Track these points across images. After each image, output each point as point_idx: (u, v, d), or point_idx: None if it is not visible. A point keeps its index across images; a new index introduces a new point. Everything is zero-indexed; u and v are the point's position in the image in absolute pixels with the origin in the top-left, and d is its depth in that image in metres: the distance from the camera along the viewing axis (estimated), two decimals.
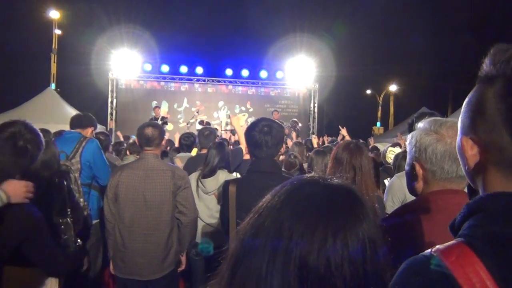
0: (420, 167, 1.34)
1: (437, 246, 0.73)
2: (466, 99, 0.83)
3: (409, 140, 1.40)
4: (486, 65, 0.79)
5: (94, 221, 3.78)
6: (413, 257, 0.76)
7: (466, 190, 1.31)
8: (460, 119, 0.84)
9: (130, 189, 3.07)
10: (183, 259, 3.34)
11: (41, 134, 1.97)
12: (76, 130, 3.93)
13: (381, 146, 10.02)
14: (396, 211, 1.46)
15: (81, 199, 3.48)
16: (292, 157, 4.64)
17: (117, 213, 3.09)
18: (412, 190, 1.42)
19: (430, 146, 1.31)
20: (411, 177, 1.39)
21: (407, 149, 1.42)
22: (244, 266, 0.75)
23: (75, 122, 3.98)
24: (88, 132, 4.02)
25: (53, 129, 7.21)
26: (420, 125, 1.40)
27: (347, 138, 6.57)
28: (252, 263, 0.74)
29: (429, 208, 1.28)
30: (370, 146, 7.81)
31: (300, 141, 7.13)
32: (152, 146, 3.17)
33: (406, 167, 1.43)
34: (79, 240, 2.77)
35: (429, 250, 0.74)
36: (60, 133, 4.06)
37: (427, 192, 1.34)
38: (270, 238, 0.74)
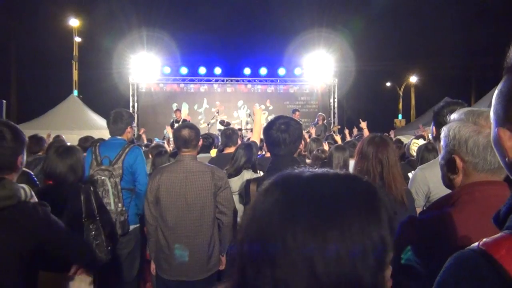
0: (461, 160, 1.31)
1: (484, 240, 0.71)
2: (497, 91, 0.80)
3: (444, 133, 1.36)
4: None
5: (133, 226, 3.80)
6: (459, 252, 0.74)
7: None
8: (492, 111, 0.81)
9: (171, 192, 3.09)
10: (223, 259, 3.35)
11: (22, 133, 1.94)
12: (118, 137, 3.94)
13: (403, 139, 9.87)
14: (434, 204, 1.43)
15: (119, 204, 3.54)
16: (320, 151, 4.85)
17: (160, 216, 3.12)
18: (449, 183, 1.38)
19: (471, 138, 1.27)
20: (450, 171, 1.35)
21: (442, 143, 1.37)
22: (255, 268, 0.71)
23: (114, 131, 3.96)
24: (129, 132, 4.04)
25: (77, 135, 7.37)
26: (454, 116, 1.36)
27: (366, 131, 6.48)
28: (263, 267, 0.69)
29: (467, 200, 1.26)
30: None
31: (318, 137, 7.05)
32: (189, 147, 3.18)
33: (441, 161, 1.39)
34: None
35: (476, 244, 0.72)
36: (103, 140, 4.10)
37: (466, 184, 1.31)
38: (277, 240, 0.69)
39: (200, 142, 3.39)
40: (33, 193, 1.89)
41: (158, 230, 3.15)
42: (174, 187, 3.09)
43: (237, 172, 3.87)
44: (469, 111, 1.33)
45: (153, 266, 3.28)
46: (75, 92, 19.49)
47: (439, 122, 2.25)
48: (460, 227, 1.17)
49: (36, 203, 1.89)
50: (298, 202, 0.71)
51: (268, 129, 2.45)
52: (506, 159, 0.79)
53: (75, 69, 20.46)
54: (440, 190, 1.43)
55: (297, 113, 12.25)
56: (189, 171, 3.13)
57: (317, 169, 0.80)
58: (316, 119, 12.45)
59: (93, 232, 2.59)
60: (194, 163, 3.19)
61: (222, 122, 12.58)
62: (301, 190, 0.73)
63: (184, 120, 12.69)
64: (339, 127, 15.49)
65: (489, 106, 0.85)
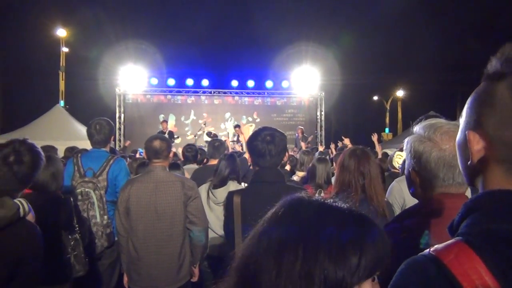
0: (416, 174, 1.33)
1: (435, 246, 0.74)
2: (472, 95, 0.81)
3: (405, 146, 1.38)
4: (495, 63, 0.77)
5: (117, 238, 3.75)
6: (411, 257, 0.76)
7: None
8: (465, 115, 0.82)
9: (141, 202, 3.10)
10: (196, 271, 3.35)
11: (41, 153, 1.94)
12: (101, 149, 3.86)
13: (390, 152, 9.89)
14: (397, 217, 1.45)
15: (105, 216, 3.49)
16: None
17: (130, 226, 3.12)
18: (413, 195, 1.41)
19: (424, 155, 1.29)
20: (410, 183, 1.39)
21: (405, 155, 1.40)
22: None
23: (97, 142, 3.85)
24: (110, 143, 4.00)
25: (62, 146, 7.29)
26: (416, 129, 1.38)
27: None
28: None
29: (429, 212, 1.27)
30: (379, 153, 7.69)
31: (308, 149, 7.08)
32: (160, 158, 3.21)
33: (406, 173, 1.42)
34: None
35: (427, 250, 0.74)
36: (86, 150, 4.03)
37: (427, 197, 1.33)
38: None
39: (171, 154, 3.39)
40: (30, 206, 1.85)
41: (129, 241, 3.14)
42: (144, 197, 3.10)
43: (222, 183, 3.87)
44: (428, 125, 1.34)
45: (125, 278, 3.24)
46: (61, 103, 19.32)
47: None
48: (421, 238, 1.19)
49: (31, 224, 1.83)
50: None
51: (253, 140, 2.40)
52: (469, 162, 0.79)
53: (62, 79, 20.32)
54: (415, 202, 1.45)
55: (237, 128, 12.37)
56: (159, 181, 3.15)
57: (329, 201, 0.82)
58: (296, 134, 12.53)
59: (72, 243, 2.56)
60: (164, 173, 3.22)
61: (209, 134, 12.61)
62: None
63: (170, 132, 12.68)
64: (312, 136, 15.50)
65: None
